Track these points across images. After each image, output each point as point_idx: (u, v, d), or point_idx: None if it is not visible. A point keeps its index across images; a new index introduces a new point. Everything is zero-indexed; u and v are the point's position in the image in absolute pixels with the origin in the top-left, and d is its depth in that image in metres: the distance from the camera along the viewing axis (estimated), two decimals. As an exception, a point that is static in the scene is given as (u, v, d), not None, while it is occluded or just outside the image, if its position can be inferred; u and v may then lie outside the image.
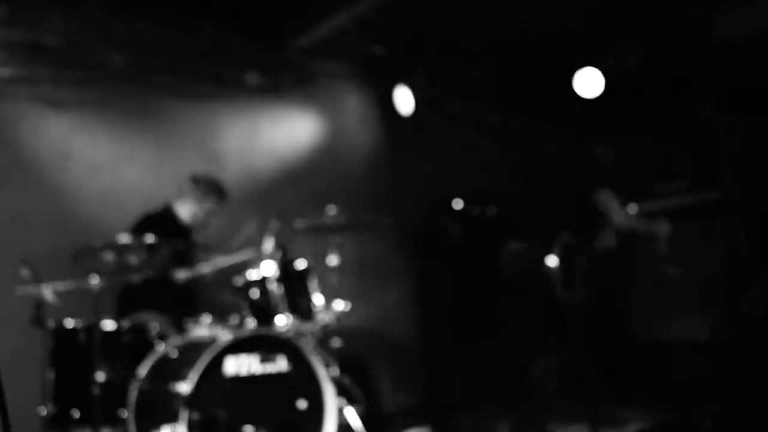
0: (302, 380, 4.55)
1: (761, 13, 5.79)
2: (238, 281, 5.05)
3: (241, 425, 4.34)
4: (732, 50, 6.08)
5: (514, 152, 7.15)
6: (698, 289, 6.46)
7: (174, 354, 4.59)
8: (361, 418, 5.01)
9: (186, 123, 6.13)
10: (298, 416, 4.53)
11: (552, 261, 6.91)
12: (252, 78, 6.37)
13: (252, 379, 4.44)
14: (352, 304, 5.40)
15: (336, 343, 5.39)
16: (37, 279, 4.51)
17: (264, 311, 4.92)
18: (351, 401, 5.09)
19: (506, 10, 6.14)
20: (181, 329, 4.88)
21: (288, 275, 5.03)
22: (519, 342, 6.96)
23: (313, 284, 5.12)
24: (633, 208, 6.81)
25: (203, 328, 4.82)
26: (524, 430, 5.72)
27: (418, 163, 7.00)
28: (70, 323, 4.62)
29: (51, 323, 4.57)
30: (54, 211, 5.46)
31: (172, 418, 4.21)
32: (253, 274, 5.01)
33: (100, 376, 4.42)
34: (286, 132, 6.63)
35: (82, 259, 4.54)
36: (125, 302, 5.19)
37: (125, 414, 4.45)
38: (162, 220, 5.34)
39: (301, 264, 5.14)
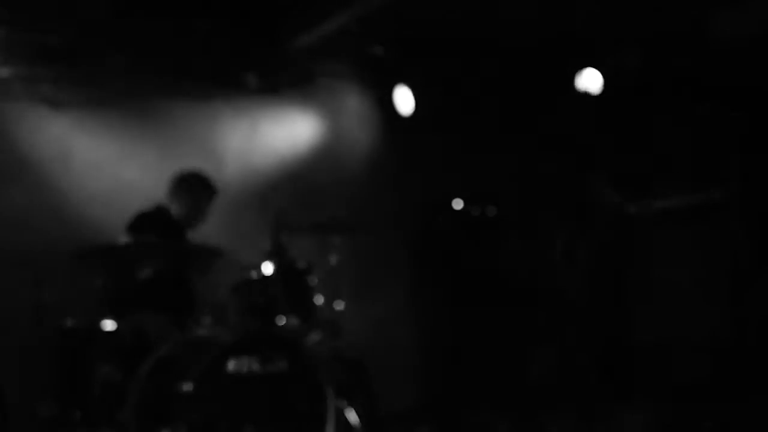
0: (302, 380, 4.55)
1: (761, 13, 5.79)
2: (239, 281, 5.04)
3: (241, 425, 4.34)
4: (732, 50, 6.08)
5: (514, 152, 7.14)
6: (698, 288, 6.46)
7: (174, 354, 4.58)
8: (361, 418, 5.00)
9: (186, 123, 6.13)
10: (298, 416, 4.52)
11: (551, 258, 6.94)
12: (252, 78, 6.37)
13: (252, 379, 4.44)
14: (352, 304, 5.39)
15: (336, 343, 5.39)
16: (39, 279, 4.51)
17: (264, 311, 4.92)
18: (351, 401, 5.08)
19: (506, 11, 6.14)
20: (181, 329, 4.87)
21: (288, 275, 5.03)
22: (519, 342, 6.96)
23: (313, 284, 5.11)
24: (633, 208, 6.83)
25: (203, 328, 4.82)
26: (524, 430, 5.72)
27: (418, 164, 7.00)
28: (69, 323, 4.62)
29: (51, 323, 4.57)
30: (54, 211, 5.46)
31: (173, 419, 4.21)
32: (253, 274, 5.01)
33: (101, 376, 4.42)
34: (286, 132, 6.63)
35: (83, 258, 4.53)
36: (125, 302, 5.18)
37: (125, 414, 4.45)
38: (155, 219, 5.32)
39: (301, 264, 5.13)
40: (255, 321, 4.88)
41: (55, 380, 4.50)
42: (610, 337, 6.86)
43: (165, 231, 5.20)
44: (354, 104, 6.99)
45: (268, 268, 4.98)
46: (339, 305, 5.26)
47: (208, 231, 5.61)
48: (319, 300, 5.10)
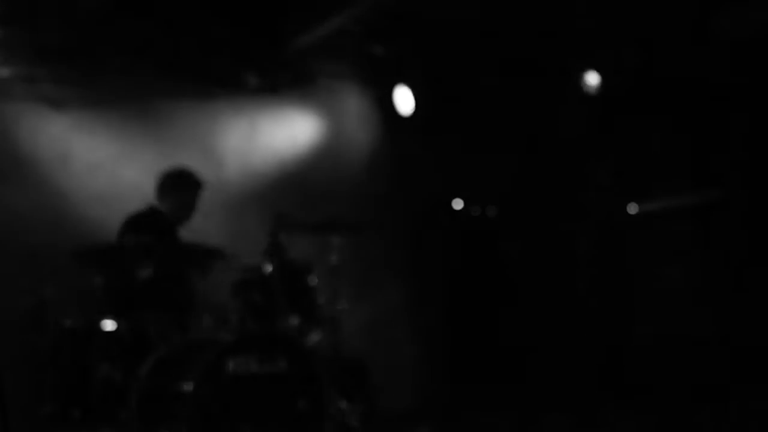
0: (302, 380, 4.55)
1: (761, 12, 5.79)
2: (239, 281, 5.04)
3: (241, 425, 4.34)
4: (732, 49, 6.08)
5: (514, 152, 7.14)
6: (698, 288, 6.46)
7: (174, 354, 4.58)
8: (361, 418, 5.00)
9: (186, 123, 6.13)
10: (298, 416, 4.52)
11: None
12: (251, 78, 6.37)
13: (252, 379, 4.43)
14: (352, 304, 5.39)
15: (336, 343, 5.39)
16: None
17: (264, 311, 4.92)
18: (351, 401, 5.08)
19: (506, 11, 6.14)
20: (181, 329, 4.87)
21: (288, 275, 5.03)
22: (518, 341, 6.96)
23: (313, 284, 5.11)
24: (633, 208, 6.83)
25: (203, 328, 4.82)
26: (524, 430, 5.72)
27: (418, 163, 7.00)
28: (69, 323, 4.61)
29: (51, 323, 4.57)
30: (54, 211, 5.46)
31: (173, 418, 4.21)
32: (253, 274, 5.01)
33: (101, 376, 4.42)
34: (285, 132, 6.63)
35: (82, 258, 4.53)
36: (125, 302, 5.18)
37: (125, 414, 4.45)
38: (146, 220, 5.31)
39: (300, 264, 5.13)
40: (255, 321, 4.88)
41: (55, 380, 4.50)
42: (610, 336, 6.86)
43: (159, 230, 5.20)
44: (354, 104, 6.99)
45: (268, 268, 4.98)
46: (339, 305, 5.26)
47: (208, 231, 5.61)
48: (319, 300, 5.10)
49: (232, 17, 6.09)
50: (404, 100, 6.81)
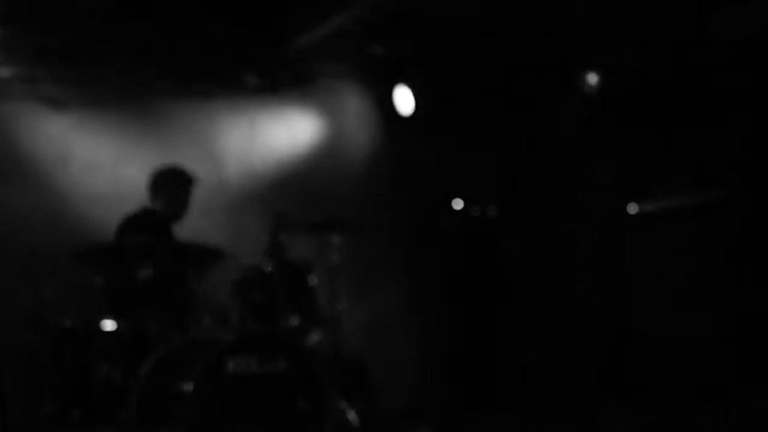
0: (302, 380, 4.55)
1: (761, 12, 5.79)
2: (239, 281, 5.04)
3: (241, 425, 4.34)
4: (732, 49, 6.08)
5: (514, 152, 7.14)
6: (698, 287, 6.46)
7: (174, 354, 4.58)
8: (361, 418, 5.00)
9: (185, 123, 6.13)
10: (298, 416, 4.52)
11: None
12: (251, 78, 6.37)
13: (252, 379, 4.43)
14: (352, 304, 5.39)
15: (336, 343, 5.39)
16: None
17: (264, 311, 4.92)
18: (351, 401, 5.08)
19: (506, 11, 6.14)
20: (181, 329, 4.87)
21: (288, 275, 5.03)
22: (518, 341, 6.96)
23: (313, 284, 5.11)
24: (633, 208, 6.83)
25: (203, 327, 4.82)
26: (523, 430, 5.72)
27: (418, 163, 7.00)
28: (69, 323, 4.61)
29: (51, 323, 4.57)
30: (53, 211, 5.46)
31: (173, 418, 4.21)
32: (253, 274, 5.01)
33: (100, 376, 4.42)
34: (285, 132, 6.63)
35: (82, 258, 4.53)
36: (125, 301, 5.18)
37: (125, 414, 4.45)
38: (142, 221, 5.31)
39: (300, 264, 5.13)
40: (255, 321, 4.88)
41: (55, 380, 4.50)
42: (610, 336, 6.86)
43: (155, 230, 5.19)
44: (354, 104, 6.99)
45: (268, 268, 4.98)
46: (339, 305, 5.26)
47: (208, 231, 5.61)
48: (319, 300, 5.10)
49: (232, 17, 6.09)
50: (404, 100, 6.81)
